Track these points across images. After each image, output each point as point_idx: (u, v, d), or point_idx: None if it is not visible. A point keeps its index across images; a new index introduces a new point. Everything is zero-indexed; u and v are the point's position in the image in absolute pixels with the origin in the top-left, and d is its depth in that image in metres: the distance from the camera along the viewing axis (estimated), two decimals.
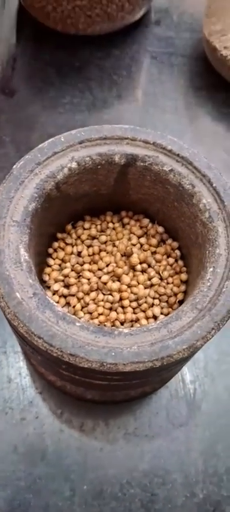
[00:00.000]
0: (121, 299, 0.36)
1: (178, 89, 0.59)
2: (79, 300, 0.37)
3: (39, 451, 0.38)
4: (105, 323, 0.36)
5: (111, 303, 0.36)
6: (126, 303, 0.36)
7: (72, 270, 0.38)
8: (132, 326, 0.36)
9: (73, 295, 0.37)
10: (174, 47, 0.64)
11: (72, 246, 0.39)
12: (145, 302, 0.36)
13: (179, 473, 0.38)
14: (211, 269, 0.30)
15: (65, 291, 0.37)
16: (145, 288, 0.37)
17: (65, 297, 0.37)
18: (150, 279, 0.37)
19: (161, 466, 0.38)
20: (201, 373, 0.41)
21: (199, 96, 0.59)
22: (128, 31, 0.65)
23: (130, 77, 0.60)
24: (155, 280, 0.37)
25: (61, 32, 0.60)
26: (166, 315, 0.36)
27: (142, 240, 0.39)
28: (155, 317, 0.36)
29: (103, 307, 0.36)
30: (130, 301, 0.36)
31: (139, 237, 0.39)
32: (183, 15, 0.69)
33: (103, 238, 0.39)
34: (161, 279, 0.38)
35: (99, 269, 0.38)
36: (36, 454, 0.38)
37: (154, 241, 0.39)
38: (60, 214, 0.37)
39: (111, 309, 0.36)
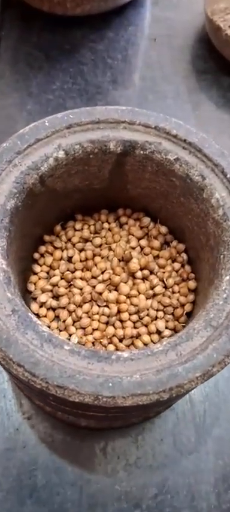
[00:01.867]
0: (119, 312, 0.33)
1: (180, 73, 0.57)
2: (70, 313, 0.34)
3: (27, 486, 0.35)
4: (101, 340, 0.32)
5: (108, 316, 0.33)
6: (125, 316, 0.33)
7: (61, 278, 0.35)
8: (132, 343, 0.33)
9: (63, 308, 0.34)
10: (174, 29, 0.62)
11: (62, 250, 0.36)
12: (147, 315, 0.33)
13: (188, 509, 0.35)
14: (228, 277, 0.27)
15: (54, 303, 0.34)
16: (147, 298, 0.34)
17: (54, 309, 0.34)
18: (152, 288, 0.34)
19: (168, 502, 0.35)
20: (212, 392, 0.38)
21: (202, 80, 0.57)
22: (123, 11, 0.63)
23: (126, 61, 0.58)
24: (158, 289, 0.34)
25: (49, 13, 0.58)
26: (171, 329, 0.33)
27: (143, 242, 0.36)
28: (159, 332, 0.33)
29: (99, 321, 0.33)
30: (130, 314, 0.33)
31: (139, 239, 0.36)
32: None
33: (97, 241, 0.36)
34: (165, 287, 0.35)
35: (93, 277, 0.35)
36: (23, 490, 0.34)
37: (156, 243, 0.36)
38: (47, 213, 0.33)
39: (107, 323, 0.34)
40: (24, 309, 0.25)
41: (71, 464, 0.36)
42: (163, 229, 0.36)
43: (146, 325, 0.33)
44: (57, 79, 0.55)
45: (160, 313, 0.34)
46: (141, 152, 0.30)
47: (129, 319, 0.33)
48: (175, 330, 0.34)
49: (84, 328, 0.33)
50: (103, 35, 0.60)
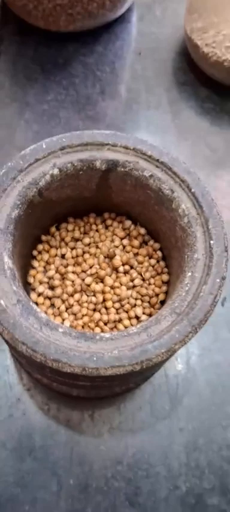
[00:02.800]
0: (104, 300, 0.37)
1: (162, 85, 0.59)
2: (63, 301, 0.37)
3: (27, 447, 0.39)
4: (89, 324, 0.36)
5: (95, 304, 0.37)
6: (109, 304, 0.37)
7: (56, 272, 0.38)
8: (115, 326, 0.37)
9: (57, 297, 0.37)
10: (157, 42, 0.64)
11: (56, 249, 0.39)
12: (128, 303, 0.37)
13: (162, 466, 0.39)
14: (189, 274, 0.31)
15: (50, 293, 0.37)
16: (127, 289, 0.38)
17: (50, 298, 0.37)
18: (132, 280, 0.38)
19: (145, 460, 0.39)
20: (184, 368, 0.42)
21: (182, 91, 0.59)
22: (111, 26, 0.64)
23: (114, 73, 0.60)
24: (137, 281, 0.38)
25: (44, 29, 0.59)
26: (148, 314, 0.37)
27: (125, 241, 0.40)
28: (137, 317, 0.37)
29: (87, 308, 0.37)
30: (113, 302, 0.37)
31: (121, 239, 0.40)
32: (166, 11, 0.69)
33: (86, 240, 0.39)
34: (143, 280, 0.38)
35: (83, 271, 0.38)
36: (24, 449, 0.39)
37: (136, 242, 0.39)
38: (44, 218, 0.37)
39: (94, 309, 0.37)
40: (26, 299, 0.29)
41: (64, 428, 0.39)
42: (142, 230, 0.40)
43: (127, 312, 0.37)
44: (51, 90, 0.56)
45: (138, 302, 0.37)
46: (122, 169, 0.34)
47: (113, 306, 0.37)
48: (150, 315, 0.37)
49: (75, 314, 0.36)
50: (93, 49, 0.61)
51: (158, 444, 0.40)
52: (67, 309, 0.37)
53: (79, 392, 0.38)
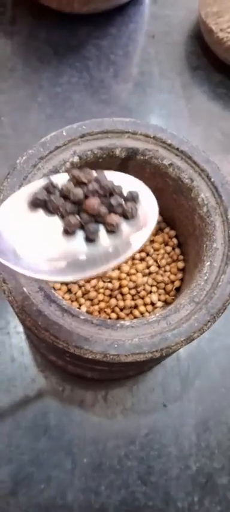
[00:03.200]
0: (120, 286, 0.38)
1: (175, 69, 0.59)
2: (80, 287, 0.38)
3: (41, 426, 0.40)
4: (105, 309, 0.37)
5: (111, 290, 0.37)
6: (125, 290, 0.37)
7: None
8: (130, 312, 0.37)
9: (74, 283, 0.37)
10: (171, 25, 0.63)
11: None
12: (144, 289, 0.38)
13: (174, 446, 0.40)
14: (208, 263, 0.32)
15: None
16: (143, 276, 0.38)
17: (67, 284, 0.38)
18: (148, 267, 0.38)
19: (157, 440, 0.40)
20: (195, 351, 0.43)
21: (195, 76, 0.59)
22: (125, 9, 0.64)
23: (127, 56, 0.59)
24: (153, 268, 0.38)
25: (57, 10, 0.58)
26: (163, 301, 0.38)
27: None
28: (153, 304, 0.38)
29: (104, 294, 0.37)
30: (129, 289, 0.38)
31: None
32: None
33: None
34: (159, 267, 0.39)
35: None
36: (39, 429, 0.40)
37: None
38: None
39: (110, 295, 0.38)
40: (48, 287, 0.29)
41: (78, 408, 0.40)
42: (158, 217, 0.39)
43: (142, 298, 0.37)
44: (64, 73, 0.56)
45: (154, 288, 0.38)
46: (141, 157, 0.35)
47: (129, 292, 0.37)
48: (165, 302, 0.38)
49: (91, 300, 0.37)
50: (107, 32, 0.60)
51: (169, 425, 0.41)
52: (84, 294, 0.38)
53: (93, 375, 0.39)
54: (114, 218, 0.23)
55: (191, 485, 0.40)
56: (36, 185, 0.24)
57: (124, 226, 0.24)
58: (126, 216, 0.24)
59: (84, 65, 0.57)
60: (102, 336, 0.29)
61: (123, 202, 0.24)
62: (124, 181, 0.25)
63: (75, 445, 0.40)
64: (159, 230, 0.40)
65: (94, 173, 0.25)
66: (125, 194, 0.25)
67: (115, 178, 0.25)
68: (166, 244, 0.40)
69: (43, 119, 0.53)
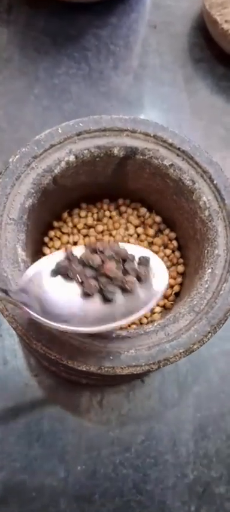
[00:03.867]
0: None
1: (177, 61, 0.57)
2: None
3: (35, 432, 0.39)
4: None
5: None
6: None
7: None
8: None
9: None
10: (173, 16, 0.61)
11: (68, 236, 0.38)
12: None
13: (170, 454, 0.39)
14: (209, 270, 0.30)
15: None
16: None
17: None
18: None
19: (153, 447, 0.39)
20: (194, 355, 0.41)
21: (198, 68, 0.57)
22: None
23: (128, 48, 0.57)
24: None
25: None
26: (161, 306, 0.37)
27: (139, 230, 0.39)
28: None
29: None
30: None
31: (136, 227, 0.39)
32: None
33: (99, 227, 0.38)
34: None
35: None
36: (32, 435, 0.39)
37: (151, 231, 0.38)
38: (57, 204, 0.36)
39: None
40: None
41: (72, 414, 0.39)
42: (158, 218, 0.38)
43: None
44: (62, 64, 0.54)
45: None
46: (141, 157, 0.33)
47: None
48: (164, 307, 0.37)
49: None
50: (107, 21, 0.59)
51: (166, 432, 0.40)
52: None
53: (88, 381, 0.38)
54: (131, 279, 0.27)
55: (188, 494, 0.39)
56: (58, 256, 0.27)
57: (138, 288, 0.27)
58: (139, 278, 0.27)
59: (83, 56, 0.56)
60: (97, 347, 0.27)
61: (137, 266, 0.28)
62: (135, 250, 0.29)
63: (69, 452, 0.39)
64: (158, 232, 0.39)
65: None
66: (137, 260, 0.28)
67: (127, 247, 0.28)
68: (166, 246, 0.38)
69: (39, 111, 0.51)
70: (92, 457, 0.39)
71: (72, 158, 0.32)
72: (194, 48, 0.59)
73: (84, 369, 0.27)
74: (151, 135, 0.33)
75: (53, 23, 0.58)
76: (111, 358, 0.27)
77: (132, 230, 0.38)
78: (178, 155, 0.33)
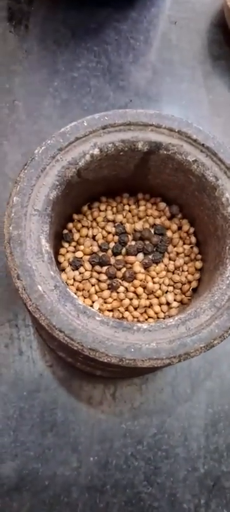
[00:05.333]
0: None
1: (197, 57, 0.57)
2: (93, 285, 0.36)
3: (48, 422, 0.39)
4: (119, 308, 0.36)
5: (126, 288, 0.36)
6: (139, 290, 0.36)
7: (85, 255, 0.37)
8: (144, 311, 0.36)
9: (87, 279, 0.36)
10: (193, 11, 0.61)
11: (88, 229, 0.38)
12: (160, 289, 0.37)
13: (182, 448, 0.40)
14: None
15: (79, 276, 0.36)
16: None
17: (80, 281, 0.37)
18: (165, 265, 0.37)
19: (165, 441, 0.40)
20: (207, 352, 0.42)
21: (217, 65, 0.57)
22: None
23: (148, 42, 0.57)
24: (170, 267, 0.37)
25: None
26: (178, 301, 0.37)
27: (158, 221, 0.39)
28: (168, 303, 0.37)
29: (117, 292, 0.36)
30: (144, 288, 0.36)
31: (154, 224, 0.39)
32: None
33: (119, 217, 0.38)
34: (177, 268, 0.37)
35: None
36: (45, 425, 0.39)
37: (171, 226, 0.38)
38: (78, 197, 0.36)
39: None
40: (63, 285, 0.28)
41: (85, 405, 0.40)
42: (178, 213, 0.38)
43: (157, 297, 0.36)
44: (82, 57, 0.54)
45: (170, 288, 0.37)
46: (164, 152, 0.33)
47: (144, 291, 0.36)
48: (181, 302, 0.37)
49: (104, 298, 0.36)
50: (127, 15, 0.58)
51: (178, 426, 0.40)
52: (97, 292, 0.36)
53: (102, 373, 0.38)
54: None
55: (198, 488, 0.39)
56: None
57: None
58: None
59: (103, 49, 0.55)
60: (118, 339, 0.27)
61: None
62: None
63: (82, 443, 0.39)
64: (178, 228, 0.39)
65: None
66: None
67: None
68: (184, 242, 0.38)
69: (58, 104, 0.51)
70: (104, 448, 0.39)
71: (96, 151, 0.32)
72: (214, 44, 0.58)
73: (105, 361, 0.27)
74: (176, 130, 0.33)
75: (73, 16, 0.57)
76: (132, 350, 0.27)
77: (151, 221, 0.38)
78: (201, 151, 0.33)
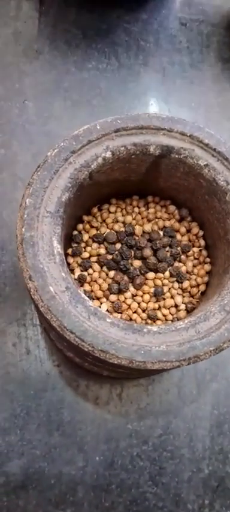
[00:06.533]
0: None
1: (207, 60, 0.57)
2: (100, 285, 0.36)
3: (55, 421, 0.40)
4: (127, 311, 0.36)
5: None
6: (146, 296, 0.36)
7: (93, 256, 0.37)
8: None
9: (95, 281, 0.37)
10: (204, 15, 0.60)
11: (97, 230, 0.38)
12: (169, 291, 0.37)
13: (187, 449, 0.40)
14: None
15: (88, 278, 0.37)
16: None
17: (89, 283, 0.37)
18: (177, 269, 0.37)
19: (170, 442, 0.40)
20: None
21: (227, 69, 0.57)
22: None
23: (158, 44, 0.57)
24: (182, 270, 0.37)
25: None
26: (186, 304, 0.37)
27: (167, 223, 0.39)
28: (176, 306, 0.37)
29: (125, 296, 0.36)
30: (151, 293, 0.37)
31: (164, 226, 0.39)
32: None
33: (128, 218, 0.38)
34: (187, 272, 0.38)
35: None
36: (52, 424, 0.39)
37: (180, 229, 0.38)
38: (89, 199, 0.36)
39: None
40: (74, 287, 0.28)
41: (92, 405, 0.40)
42: (188, 216, 0.38)
43: (165, 299, 0.36)
44: (92, 58, 0.54)
45: (179, 291, 0.37)
46: (176, 156, 0.33)
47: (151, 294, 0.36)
48: (189, 305, 0.36)
49: (112, 302, 0.36)
50: (138, 17, 0.58)
51: (184, 427, 0.41)
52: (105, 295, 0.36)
53: (109, 374, 0.38)
54: None
55: (202, 488, 0.40)
56: None
57: None
58: None
59: (113, 51, 0.55)
60: (129, 341, 0.28)
61: None
62: None
63: (88, 443, 0.39)
64: (187, 231, 0.39)
65: None
66: None
67: None
68: (193, 244, 0.38)
69: (69, 105, 0.51)
70: (110, 448, 0.39)
71: (108, 154, 0.32)
72: (224, 47, 0.58)
73: (116, 362, 0.27)
74: (188, 134, 0.33)
75: (84, 16, 0.57)
76: (142, 352, 0.27)
77: (161, 224, 0.38)
78: (213, 156, 0.33)
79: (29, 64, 0.52)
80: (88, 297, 0.35)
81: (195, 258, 0.38)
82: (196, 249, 0.38)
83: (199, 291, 0.37)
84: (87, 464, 0.39)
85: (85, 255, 0.37)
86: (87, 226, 0.38)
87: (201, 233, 0.38)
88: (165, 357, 0.27)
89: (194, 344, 0.28)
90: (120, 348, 0.27)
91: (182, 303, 0.37)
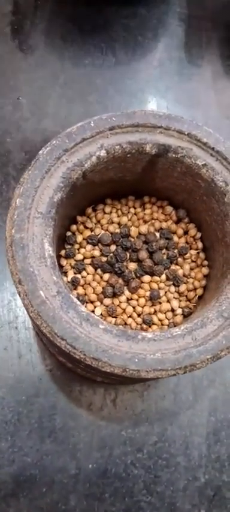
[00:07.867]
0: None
1: (206, 57, 0.56)
2: (94, 289, 0.36)
3: (47, 428, 0.39)
4: (121, 316, 0.35)
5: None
6: (142, 300, 0.35)
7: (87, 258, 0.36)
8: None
9: (88, 284, 0.36)
10: (204, 10, 0.59)
11: (91, 231, 0.37)
12: (165, 295, 0.36)
13: (183, 456, 0.39)
14: None
15: (82, 281, 0.36)
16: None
17: (82, 285, 0.36)
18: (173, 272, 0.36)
19: (165, 449, 0.39)
20: None
21: (226, 66, 0.56)
22: None
23: (156, 40, 0.56)
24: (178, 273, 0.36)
25: None
26: (183, 308, 0.36)
27: (164, 224, 0.38)
28: (173, 310, 0.36)
29: (119, 300, 0.35)
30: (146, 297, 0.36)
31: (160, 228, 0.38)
32: None
33: (124, 219, 0.37)
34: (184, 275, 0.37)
35: None
36: (44, 430, 0.38)
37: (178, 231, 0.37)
38: (83, 199, 0.35)
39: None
40: (66, 291, 0.27)
41: (85, 411, 0.39)
42: (185, 217, 0.37)
43: (161, 304, 0.35)
44: (89, 54, 0.53)
45: (176, 295, 0.36)
46: (173, 155, 0.32)
47: (146, 298, 0.35)
48: (186, 309, 0.36)
49: (106, 306, 0.35)
50: (136, 11, 0.57)
51: (179, 434, 0.40)
52: (99, 299, 0.36)
53: (103, 379, 0.37)
54: None
55: (198, 498, 0.39)
56: None
57: None
58: None
59: (110, 46, 0.54)
60: (122, 349, 0.27)
61: None
62: None
63: (81, 450, 0.38)
64: (184, 233, 0.38)
65: None
66: None
67: None
68: (191, 247, 0.37)
69: (64, 102, 0.50)
70: (104, 455, 0.39)
71: (103, 153, 0.31)
72: (223, 44, 0.57)
73: (108, 370, 0.26)
74: (185, 133, 0.32)
75: (80, 11, 0.56)
76: (136, 360, 0.26)
77: (157, 225, 0.37)
78: (211, 155, 0.32)
79: (23, 60, 0.51)
80: (81, 300, 0.35)
81: (192, 261, 0.37)
82: (193, 252, 0.37)
83: (196, 295, 0.36)
84: (79, 472, 0.38)
85: (79, 257, 0.36)
86: (81, 227, 0.37)
87: (199, 235, 0.37)
88: (159, 366, 0.26)
89: (191, 352, 0.27)
90: (113, 356, 0.26)
91: (179, 307, 0.36)
